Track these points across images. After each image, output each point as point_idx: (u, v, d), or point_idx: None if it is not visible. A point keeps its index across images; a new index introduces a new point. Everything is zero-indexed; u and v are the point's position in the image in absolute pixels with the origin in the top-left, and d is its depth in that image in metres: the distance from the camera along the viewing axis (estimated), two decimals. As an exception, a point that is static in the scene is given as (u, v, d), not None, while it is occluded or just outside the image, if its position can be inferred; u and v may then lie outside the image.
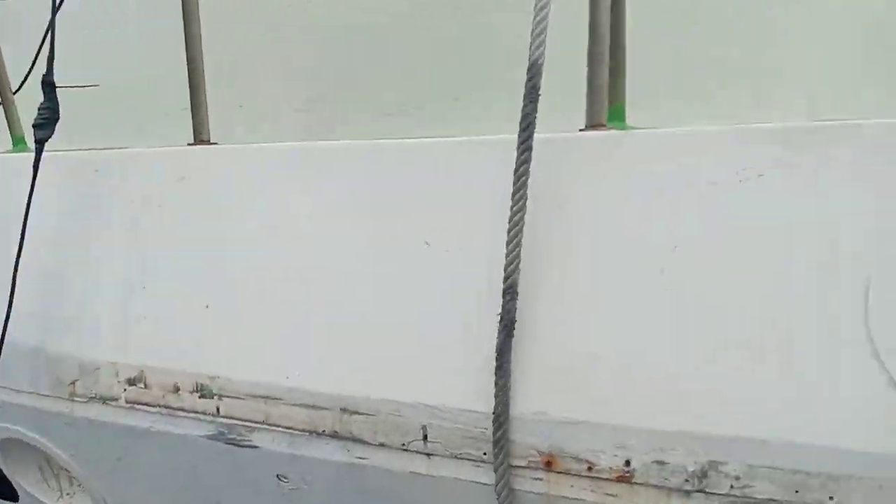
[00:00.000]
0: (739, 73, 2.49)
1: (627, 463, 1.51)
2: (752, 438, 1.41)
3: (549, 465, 1.57)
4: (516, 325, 1.57)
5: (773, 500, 1.40)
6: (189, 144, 2.21)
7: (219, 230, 2.02)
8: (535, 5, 1.54)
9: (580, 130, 1.69)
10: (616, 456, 1.51)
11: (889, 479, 1.33)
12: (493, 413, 1.58)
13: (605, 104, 1.70)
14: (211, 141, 2.21)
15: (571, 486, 1.56)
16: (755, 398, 1.42)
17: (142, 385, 2.07)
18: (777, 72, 2.54)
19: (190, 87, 2.19)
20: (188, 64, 2.18)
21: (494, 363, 1.58)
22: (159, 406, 2.05)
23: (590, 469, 1.53)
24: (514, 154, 1.55)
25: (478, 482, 1.65)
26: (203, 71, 2.18)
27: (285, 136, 2.07)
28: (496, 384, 1.58)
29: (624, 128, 1.83)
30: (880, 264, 1.33)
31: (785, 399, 1.39)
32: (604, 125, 1.68)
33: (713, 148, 1.49)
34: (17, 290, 2.09)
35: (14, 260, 2.08)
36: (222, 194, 2.03)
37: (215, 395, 1.97)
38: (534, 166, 1.56)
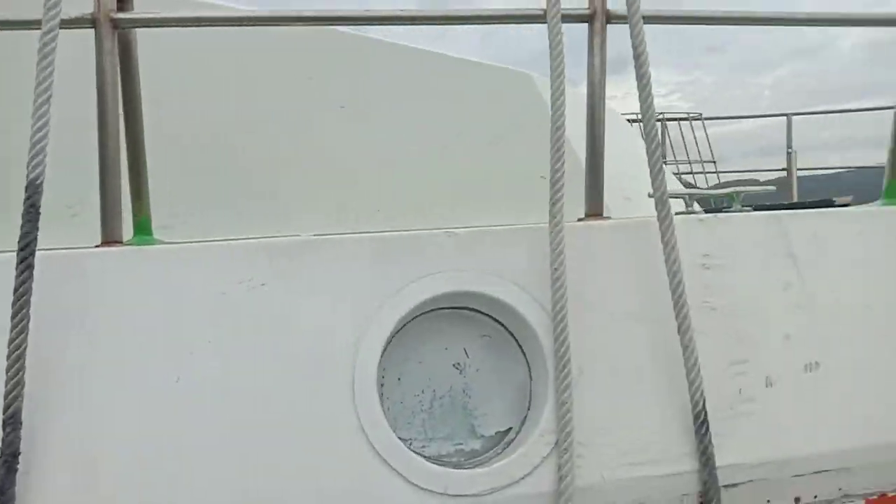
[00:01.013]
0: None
1: None
2: None
3: None
4: (20, 459, 1.44)
5: None
6: None
7: None
8: (32, 126, 1.51)
9: (96, 246, 1.68)
10: None
11: None
12: None
13: (122, 219, 1.73)
14: None
15: None
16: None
17: None
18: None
19: None
20: None
21: (-3, 506, 1.42)
22: None
23: None
24: (13, 273, 1.46)
25: None
26: None
27: None
28: None
29: (149, 242, 1.87)
30: (360, 356, 1.60)
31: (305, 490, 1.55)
32: (120, 241, 1.70)
33: (222, 260, 1.62)
34: None
35: None
36: None
37: None
38: (41, 285, 1.49)
